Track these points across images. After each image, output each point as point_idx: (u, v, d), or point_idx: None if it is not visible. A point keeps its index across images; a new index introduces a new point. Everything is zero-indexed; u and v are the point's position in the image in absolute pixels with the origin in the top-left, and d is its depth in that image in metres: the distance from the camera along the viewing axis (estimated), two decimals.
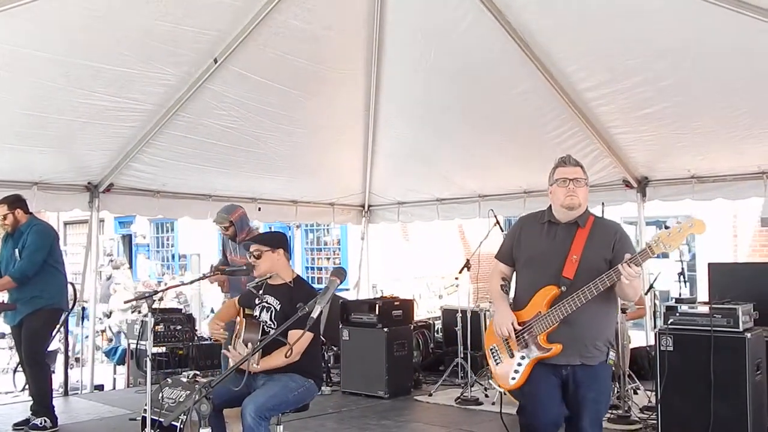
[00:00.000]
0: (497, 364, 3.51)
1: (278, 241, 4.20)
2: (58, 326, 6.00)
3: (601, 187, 7.03)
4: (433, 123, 7.27)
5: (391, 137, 7.73)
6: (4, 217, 5.62)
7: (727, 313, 4.72)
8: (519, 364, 3.39)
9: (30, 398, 5.74)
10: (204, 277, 5.42)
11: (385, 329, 6.91)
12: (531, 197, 7.91)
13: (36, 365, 5.61)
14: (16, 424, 5.63)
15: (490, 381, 3.54)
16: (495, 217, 6.84)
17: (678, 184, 7.01)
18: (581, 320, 3.25)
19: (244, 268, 4.77)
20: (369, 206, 9.64)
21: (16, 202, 5.67)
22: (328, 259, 16.50)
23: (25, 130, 5.95)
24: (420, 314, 9.85)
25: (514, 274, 3.59)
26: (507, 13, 5.36)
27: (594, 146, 6.70)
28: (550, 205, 3.47)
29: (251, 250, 4.15)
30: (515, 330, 3.38)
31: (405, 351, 7.11)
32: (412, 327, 7.56)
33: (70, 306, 6.28)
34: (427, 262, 14.57)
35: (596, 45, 5.42)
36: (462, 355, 7.04)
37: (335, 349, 7.78)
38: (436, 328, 9.00)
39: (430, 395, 6.93)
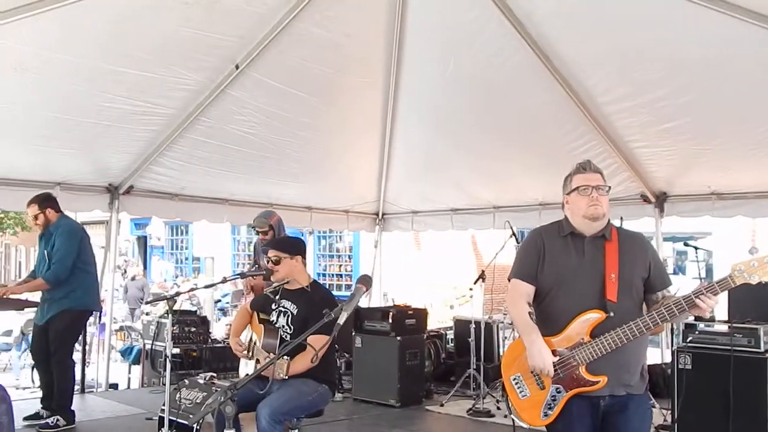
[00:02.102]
0: (522, 397, 3.06)
1: (297, 247, 4.24)
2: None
3: (618, 201, 7.00)
4: (450, 133, 7.28)
5: (407, 146, 7.75)
6: (36, 217, 5.69)
7: (748, 332, 4.67)
8: (554, 398, 2.97)
9: (41, 393, 5.79)
10: (225, 280, 5.47)
11: (398, 338, 6.91)
12: (546, 209, 7.89)
13: (61, 365, 5.66)
14: (26, 418, 5.67)
15: (511, 417, 3.13)
16: (511, 228, 6.83)
17: (697, 200, 6.97)
18: (626, 346, 2.88)
19: (264, 271, 4.81)
20: (383, 214, 9.66)
21: (46, 201, 5.74)
22: (340, 266, 16.53)
23: (50, 132, 6.02)
24: (431, 324, 9.83)
25: (534, 296, 3.15)
26: (527, 24, 5.36)
27: (612, 159, 6.68)
28: (566, 217, 3.12)
29: (269, 255, 4.18)
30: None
31: (417, 360, 7.11)
32: (425, 336, 7.56)
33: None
34: (439, 271, 14.56)
35: (617, 58, 5.40)
36: (474, 367, 7.02)
37: (347, 355, 7.78)
38: (447, 339, 8.98)
39: (442, 405, 6.91)
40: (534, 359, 2.95)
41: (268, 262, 4.22)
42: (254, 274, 5.17)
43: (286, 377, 3.79)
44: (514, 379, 3.10)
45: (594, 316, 2.91)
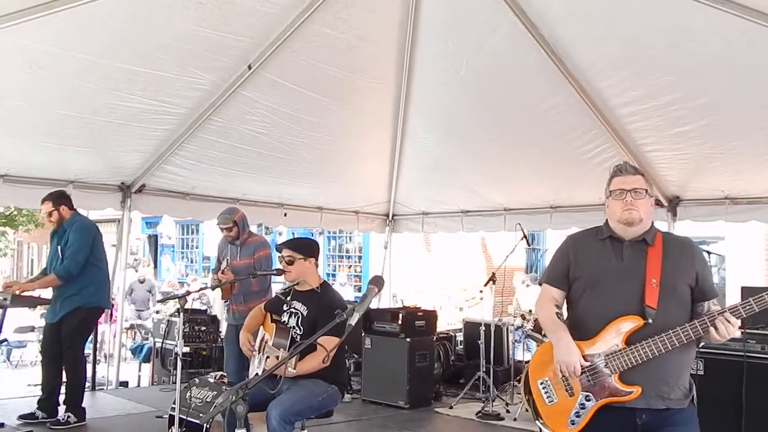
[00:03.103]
0: (549, 402, 2.91)
1: (311, 249, 4.24)
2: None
3: None
4: (461, 134, 7.28)
5: (418, 147, 7.74)
6: (50, 214, 5.73)
7: (761, 339, 4.64)
8: (582, 406, 2.80)
9: (40, 393, 5.79)
10: (215, 287, 5.52)
11: (408, 339, 6.90)
12: (558, 212, 7.88)
13: (73, 362, 5.69)
14: (21, 417, 5.67)
15: (537, 423, 2.97)
16: (522, 230, 6.81)
17: (711, 205, 6.92)
18: (666, 356, 2.70)
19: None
20: (393, 215, 9.65)
21: (60, 198, 5.77)
22: (350, 266, 16.54)
23: (63, 130, 6.06)
24: (440, 326, 9.83)
25: (567, 301, 3.03)
26: (540, 26, 5.34)
27: None
28: (606, 220, 2.98)
29: (283, 254, 4.18)
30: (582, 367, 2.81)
31: (427, 362, 7.10)
32: (434, 338, 7.55)
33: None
34: (448, 273, 14.54)
35: (630, 60, 5.37)
36: (484, 369, 7.01)
37: (356, 356, 7.79)
38: (457, 341, 8.97)
39: (451, 408, 6.90)
40: (560, 354, 2.81)
41: (280, 261, 4.23)
42: (266, 273, 5.17)
43: (294, 370, 3.79)
44: (542, 384, 2.95)
45: (631, 322, 2.75)
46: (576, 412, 2.81)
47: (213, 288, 5.57)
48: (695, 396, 2.88)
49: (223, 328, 8.96)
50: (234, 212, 6.05)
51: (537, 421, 2.96)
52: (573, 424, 2.81)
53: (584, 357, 2.80)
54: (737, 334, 2.72)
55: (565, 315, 3.01)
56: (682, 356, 2.79)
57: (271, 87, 6.12)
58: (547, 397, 2.92)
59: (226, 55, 5.60)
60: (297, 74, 6.04)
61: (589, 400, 2.80)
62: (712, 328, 2.65)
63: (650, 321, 2.71)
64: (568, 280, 2.96)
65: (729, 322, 2.65)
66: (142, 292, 14.46)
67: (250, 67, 5.81)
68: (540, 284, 3.15)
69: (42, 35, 4.80)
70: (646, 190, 2.87)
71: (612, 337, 2.77)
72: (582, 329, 2.86)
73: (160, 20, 5.03)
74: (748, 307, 2.65)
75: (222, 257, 6.13)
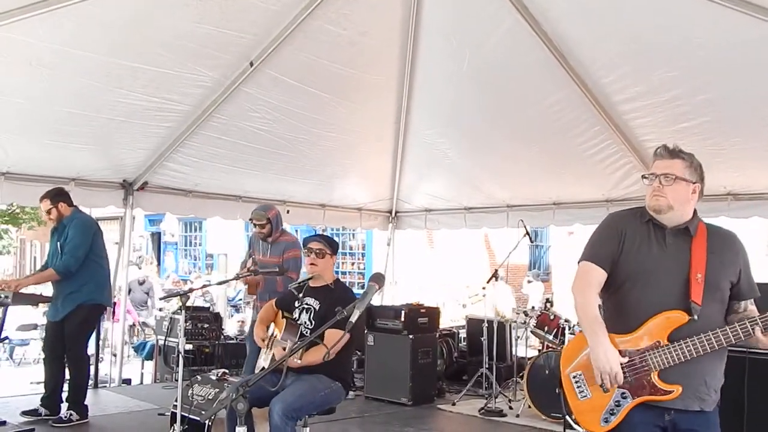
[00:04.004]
0: (582, 397, 2.74)
1: (337, 247, 4.33)
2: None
3: (634, 201, 6.95)
4: (464, 131, 7.27)
5: (420, 144, 7.73)
6: (48, 212, 5.73)
7: None
8: (617, 404, 2.66)
9: (43, 390, 5.79)
10: (238, 276, 5.48)
11: (411, 336, 6.91)
12: (561, 208, 7.87)
13: (76, 360, 5.70)
14: (24, 413, 5.68)
15: (571, 419, 2.86)
16: (525, 227, 6.80)
17: (713, 201, 6.88)
18: (707, 356, 2.60)
19: (276, 269, 4.81)
20: (396, 212, 9.65)
21: (58, 196, 5.77)
22: (353, 263, 16.55)
23: (65, 127, 6.05)
24: (443, 323, 9.83)
25: (606, 285, 2.79)
26: (543, 22, 5.33)
27: (627, 159, 6.63)
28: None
29: (313, 246, 4.18)
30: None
31: (429, 359, 7.11)
32: (437, 335, 7.55)
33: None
34: (451, 270, 14.53)
35: (633, 56, 5.35)
36: (487, 366, 7.01)
37: (359, 353, 7.79)
38: (460, 337, 8.98)
39: (454, 404, 6.91)
40: (600, 362, 2.61)
41: (310, 253, 4.21)
42: (269, 273, 5.17)
43: (300, 362, 3.80)
44: (575, 377, 2.78)
45: (676, 318, 2.60)
46: (611, 410, 2.67)
47: (236, 278, 5.55)
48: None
49: (226, 325, 9.02)
50: (269, 209, 5.96)
51: (569, 416, 2.83)
52: (607, 422, 2.67)
53: (621, 353, 2.64)
54: None
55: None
56: (721, 358, 2.69)
57: (274, 84, 6.11)
58: (580, 392, 2.76)
59: (227, 51, 5.59)
60: (299, 71, 6.03)
61: (625, 398, 2.66)
62: (759, 333, 2.54)
63: (696, 318, 2.58)
64: (613, 261, 2.74)
65: None
66: (140, 293, 14.43)
67: (251, 64, 5.80)
68: (579, 262, 2.84)
69: (43, 32, 4.78)
70: (676, 176, 2.68)
71: (654, 332, 2.63)
72: (620, 320, 2.71)
73: (161, 17, 5.02)
74: None
75: (252, 252, 6.09)
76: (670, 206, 2.67)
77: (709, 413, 2.67)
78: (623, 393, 2.65)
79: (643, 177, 2.76)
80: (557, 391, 2.83)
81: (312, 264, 4.19)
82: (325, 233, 15.55)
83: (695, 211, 2.76)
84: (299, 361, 3.80)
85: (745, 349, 4.57)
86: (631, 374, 2.64)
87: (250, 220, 5.95)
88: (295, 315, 4.18)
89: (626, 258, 2.71)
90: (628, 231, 2.75)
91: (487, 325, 7.00)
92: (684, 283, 2.62)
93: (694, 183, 2.72)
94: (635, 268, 2.70)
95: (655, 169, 2.72)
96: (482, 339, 7.03)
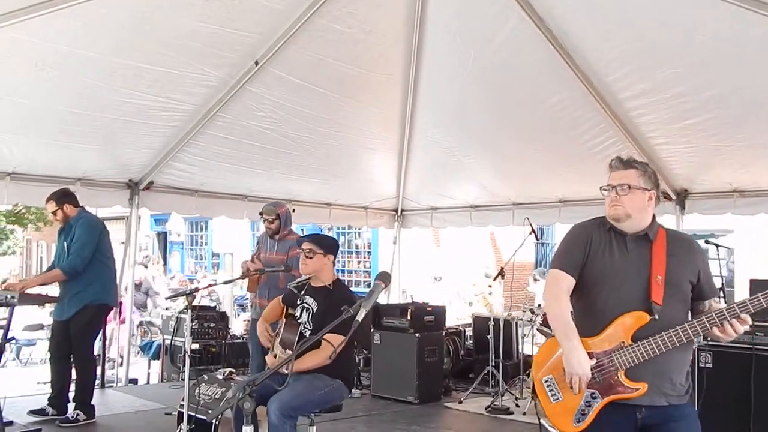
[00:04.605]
0: (554, 400, 2.87)
1: (332, 247, 4.27)
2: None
3: None
4: (469, 129, 7.26)
5: (426, 142, 7.73)
6: (54, 213, 5.74)
7: None
8: (588, 404, 2.77)
9: (50, 390, 5.79)
10: (244, 275, 5.49)
11: (417, 334, 6.91)
12: (566, 206, 7.85)
13: (83, 360, 5.71)
14: (31, 412, 5.68)
15: (541, 421, 3.02)
16: (531, 225, 6.80)
17: (719, 198, 6.88)
18: (670, 353, 2.71)
19: (282, 267, 4.81)
20: (402, 211, 9.65)
21: (63, 197, 5.77)
22: (359, 262, 16.55)
23: (70, 128, 6.07)
24: (449, 321, 9.83)
25: (573, 290, 2.94)
26: (548, 20, 5.31)
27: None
28: None
29: (304, 247, 4.18)
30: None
31: (436, 357, 7.10)
32: (443, 333, 7.54)
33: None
34: (457, 268, 14.52)
35: (638, 54, 5.34)
36: (493, 364, 7.00)
37: (366, 352, 7.79)
38: (466, 336, 8.97)
39: (460, 402, 6.90)
40: (573, 367, 2.74)
41: (301, 254, 4.21)
42: (275, 271, 5.17)
43: (287, 372, 3.78)
44: (546, 381, 2.90)
45: (638, 318, 2.73)
46: (582, 410, 2.78)
47: (242, 276, 5.57)
48: (692, 391, 2.87)
49: (232, 324, 9.03)
50: (279, 206, 6.02)
51: (542, 419, 2.94)
52: (579, 422, 2.78)
53: (590, 354, 2.76)
54: (742, 330, 2.68)
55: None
56: (685, 353, 2.81)
57: (279, 83, 6.12)
58: (552, 395, 2.88)
59: (232, 51, 5.60)
60: (304, 70, 6.04)
61: (595, 398, 2.77)
62: (716, 329, 2.66)
63: (656, 317, 2.70)
64: (581, 267, 2.88)
65: (741, 319, 2.64)
66: (139, 295, 14.44)
67: (257, 63, 5.80)
68: (548, 270, 3.02)
69: (48, 33, 4.80)
70: (630, 186, 2.82)
71: (618, 333, 2.75)
72: (587, 323, 2.83)
73: (166, 16, 5.03)
74: (756, 303, 2.62)
75: (258, 250, 6.11)
76: (627, 215, 2.82)
77: (681, 406, 2.78)
78: (593, 393, 2.76)
79: (601, 189, 2.90)
80: (532, 397, 2.92)
81: (303, 264, 4.19)
82: (329, 232, 15.59)
83: (654, 217, 2.89)
84: (286, 371, 3.78)
85: (751, 346, 4.58)
86: (600, 375, 2.75)
87: (260, 214, 5.98)
88: (297, 313, 4.18)
89: (592, 264, 2.86)
90: (593, 239, 2.90)
91: (493, 323, 6.99)
92: (645, 285, 2.75)
93: (649, 190, 2.85)
94: (600, 274, 2.84)
95: (611, 180, 2.86)
96: (488, 337, 7.02)
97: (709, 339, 5.20)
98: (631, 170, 2.85)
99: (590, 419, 2.76)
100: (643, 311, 2.73)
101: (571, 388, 2.77)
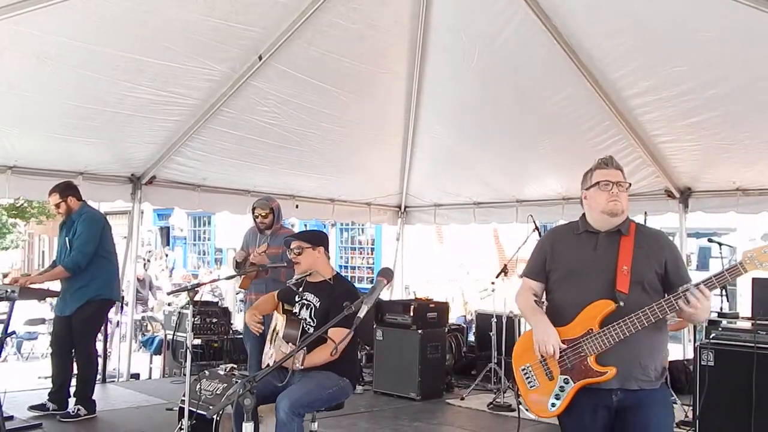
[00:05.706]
0: (531, 387, 3.03)
1: (319, 239, 4.23)
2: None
3: (642, 197, 6.92)
4: (474, 126, 7.23)
5: (430, 139, 7.71)
6: (57, 206, 5.71)
7: None
8: (561, 389, 2.92)
9: (51, 385, 5.78)
10: (246, 272, 5.48)
11: (419, 331, 6.89)
12: (570, 203, 7.83)
13: (85, 355, 5.69)
14: (32, 407, 5.67)
15: (521, 407, 3.24)
16: (534, 222, 6.78)
17: (722, 196, 6.87)
18: (637, 336, 2.82)
19: (285, 263, 4.79)
20: (405, 207, 9.63)
21: (67, 190, 5.74)
22: (363, 258, 16.56)
23: (73, 121, 6.05)
24: (452, 317, 9.81)
25: (546, 291, 3.18)
26: (554, 17, 5.30)
27: (637, 154, 6.60)
28: (584, 215, 3.11)
29: (292, 246, 4.17)
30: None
31: (438, 353, 7.09)
32: (446, 330, 7.53)
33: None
34: (460, 265, 14.51)
35: (643, 51, 5.32)
36: (495, 360, 6.99)
37: (368, 348, 7.78)
38: (468, 332, 8.96)
39: (462, 399, 6.89)
40: (538, 334, 2.96)
41: (291, 254, 4.21)
42: (276, 267, 5.15)
43: (302, 367, 3.77)
44: (524, 370, 3.07)
45: (603, 306, 2.87)
46: (556, 395, 2.93)
47: (244, 273, 5.57)
48: (668, 378, 3.03)
49: (235, 320, 9.01)
50: (272, 200, 6.06)
51: (521, 406, 3.08)
52: (554, 406, 2.94)
53: (563, 341, 2.91)
54: (708, 302, 2.77)
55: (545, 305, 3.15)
56: (654, 338, 2.92)
57: (282, 78, 6.10)
58: (529, 383, 3.04)
59: (236, 45, 5.58)
60: (308, 65, 6.02)
61: (567, 383, 2.91)
62: (681, 302, 2.75)
63: (621, 304, 2.83)
64: (545, 272, 3.12)
65: (702, 293, 2.73)
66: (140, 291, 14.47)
67: (260, 58, 5.78)
68: (520, 277, 3.28)
69: (49, 25, 4.78)
70: (628, 185, 3.03)
71: (586, 321, 2.89)
72: (560, 317, 2.99)
73: (169, 10, 5.01)
74: (721, 278, 2.76)
75: (247, 248, 6.07)
76: (623, 210, 2.99)
77: (653, 391, 2.89)
78: (566, 379, 2.92)
79: (600, 183, 3.01)
80: (512, 386, 3.01)
81: (296, 263, 4.17)
82: (332, 228, 15.58)
83: (628, 215, 3.08)
84: (300, 366, 3.77)
85: (753, 345, 4.57)
86: (571, 361, 2.90)
87: (253, 209, 5.97)
88: (296, 309, 4.16)
89: (558, 265, 3.07)
90: (557, 242, 3.15)
91: (495, 319, 6.98)
92: (612, 275, 2.91)
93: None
94: (568, 272, 3.04)
95: (609, 177, 3.00)
96: (491, 334, 7.01)
97: (697, 327, 5.41)
98: (620, 171, 3.05)
99: (565, 403, 2.91)
100: (608, 299, 2.87)
101: (547, 373, 2.95)
